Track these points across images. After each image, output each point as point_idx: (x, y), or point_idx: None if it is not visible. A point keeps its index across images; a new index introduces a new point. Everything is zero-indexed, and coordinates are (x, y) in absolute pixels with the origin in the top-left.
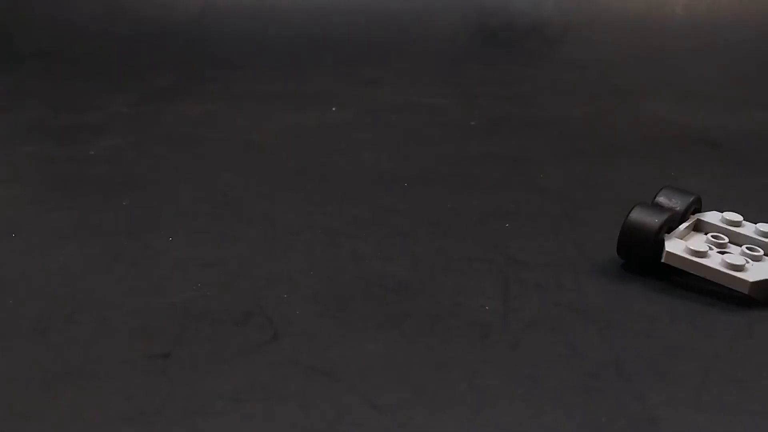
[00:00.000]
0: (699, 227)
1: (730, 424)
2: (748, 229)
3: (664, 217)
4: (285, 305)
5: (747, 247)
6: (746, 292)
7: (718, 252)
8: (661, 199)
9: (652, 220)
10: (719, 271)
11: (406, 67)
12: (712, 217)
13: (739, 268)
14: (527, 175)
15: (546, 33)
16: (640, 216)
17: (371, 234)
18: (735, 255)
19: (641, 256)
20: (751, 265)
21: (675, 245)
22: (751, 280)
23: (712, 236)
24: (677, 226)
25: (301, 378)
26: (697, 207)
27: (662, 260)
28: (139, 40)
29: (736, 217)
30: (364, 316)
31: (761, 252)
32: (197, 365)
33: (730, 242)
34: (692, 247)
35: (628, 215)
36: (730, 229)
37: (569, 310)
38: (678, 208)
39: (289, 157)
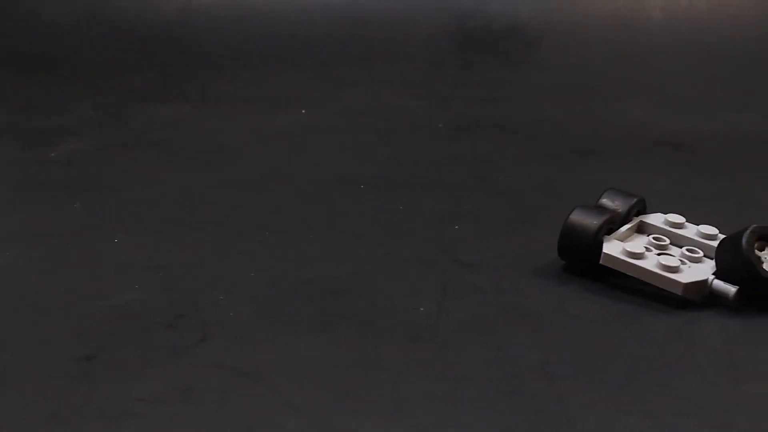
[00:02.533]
0: (642, 229)
1: (647, 425)
2: (690, 230)
3: (603, 218)
4: (220, 307)
5: (687, 249)
6: (680, 294)
7: (658, 254)
8: (605, 200)
9: (591, 221)
10: (654, 272)
11: (383, 69)
12: (655, 219)
13: (674, 269)
14: (487, 178)
15: (524, 36)
16: (580, 217)
17: (320, 236)
18: (669, 256)
19: (580, 258)
20: (688, 267)
21: (612, 247)
22: (684, 281)
23: (653, 238)
24: (618, 228)
25: (224, 380)
26: (641, 209)
27: (600, 262)
28: (116, 42)
29: (679, 218)
30: (297, 318)
31: (701, 254)
32: (121, 367)
33: (671, 244)
34: (629, 249)
35: (567, 217)
36: (671, 231)
37: (504, 312)
38: (620, 210)
39: (254, 160)
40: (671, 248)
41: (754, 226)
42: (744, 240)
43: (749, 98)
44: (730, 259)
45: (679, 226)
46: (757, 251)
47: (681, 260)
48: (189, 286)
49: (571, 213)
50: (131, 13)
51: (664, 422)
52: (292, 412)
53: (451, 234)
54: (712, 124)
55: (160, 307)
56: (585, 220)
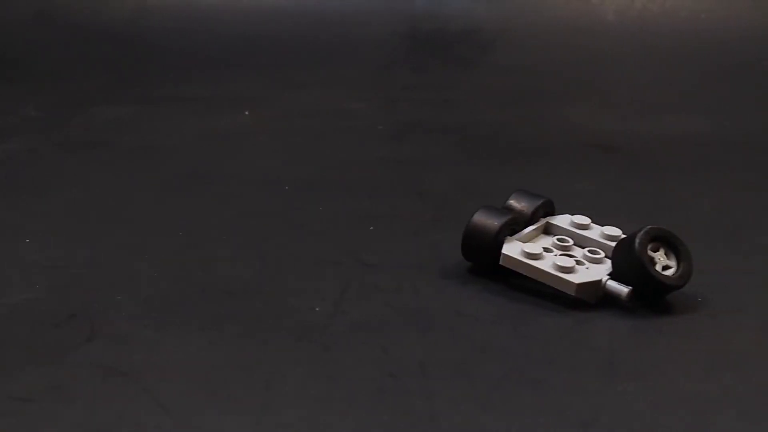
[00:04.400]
0: (548, 230)
1: (508, 422)
2: (594, 232)
3: (504, 219)
4: (115, 307)
5: (589, 250)
6: (573, 294)
7: (560, 254)
8: (511, 202)
9: (492, 222)
10: (548, 273)
11: (334, 71)
12: (561, 220)
13: (568, 270)
14: (415, 180)
15: (478, 38)
16: (482, 218)
17: (232, 237)
18: (565, 257)
19: (482, 259)
20: (586, 268)
21: (512, 248)
22: (577, 282)
23: (557, 239)
24: (522, 229)
25: (99, 379)
26: (549, 210)
27: (500, 262)
28: (68, 43)
29: (584, 220)
30: (189, 318)
31: (602, 254)
32: (1, 367)
33: (575, 245)
34: (527, 250)
35: (470, 218)
36: (576, 232)
37: (398, 312)
38: (525, 211)
39: (185, 161)
40: (575, 249)
41: (648, 227)
42: (637, 241)
43: (694, 101)
44: (624, 259)
45: (584, 227)
46: (651, 252)
47: (580, 261)
48: (90, 285)
49: (474, 214)
50: (85, 15)
51: (525, 420)
52: (158, 411)
53: (364, 235)
54: (651, 126)
55: (54, 306)
56: (487, 221)
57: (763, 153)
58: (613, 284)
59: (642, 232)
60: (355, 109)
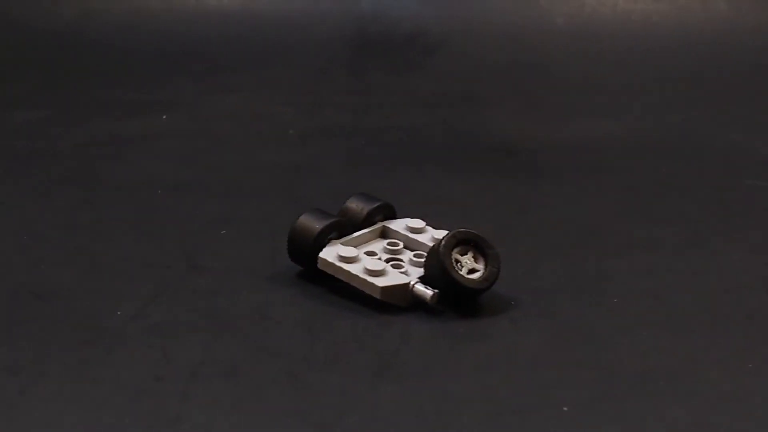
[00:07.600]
0: (384, 234)
1: (253, 421)
2: (426, 236)
3: (326, 222)
4: None
5: (415, 254)
6: (379, 297)
7: (386, 259)
8: (348, 205)
9: (313, 225)
10: (357, 276)
11: (271, 75)
12: (397, 224)
13: (376, 273)
14: (298, 185)
15: (423, 42)
16: (304, 221)
17: (72, 241)
18: (375, 261)
19: (304, 262)
20: (403, 271)
21: (329, 251)
22: (381, 285)
23: (388, 243)
24: (353, 232)
25: None
26: (388, 213)
27: (317, 266)
28: (3, 47)
29: (419, 224)
30: None
31: None
32: None
33: (405, 248)
34: (341, 253)
35: (295, 221)
36: (408, 236)
37: (201, 316)
38: (359, 214)
39: (74, 167)
40: (404, 252)
41: (456, 230)
42: (442, 244)
43: (626, 105)
44: (431, 262)
45: (417, 230)
46: (458, 255)
47: (400, 264)
48: None
49: (299, 217)
50: (25, 17)
51: (269, 421)
52: None
53: (211, 239)
54: (567, 130)
55: None
56: (309, 223)
57: (664, 158)
58: (419, 287)
59: (448, 235)
60: (277, 113)
